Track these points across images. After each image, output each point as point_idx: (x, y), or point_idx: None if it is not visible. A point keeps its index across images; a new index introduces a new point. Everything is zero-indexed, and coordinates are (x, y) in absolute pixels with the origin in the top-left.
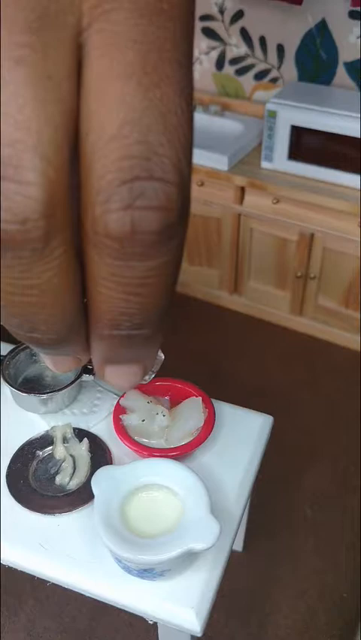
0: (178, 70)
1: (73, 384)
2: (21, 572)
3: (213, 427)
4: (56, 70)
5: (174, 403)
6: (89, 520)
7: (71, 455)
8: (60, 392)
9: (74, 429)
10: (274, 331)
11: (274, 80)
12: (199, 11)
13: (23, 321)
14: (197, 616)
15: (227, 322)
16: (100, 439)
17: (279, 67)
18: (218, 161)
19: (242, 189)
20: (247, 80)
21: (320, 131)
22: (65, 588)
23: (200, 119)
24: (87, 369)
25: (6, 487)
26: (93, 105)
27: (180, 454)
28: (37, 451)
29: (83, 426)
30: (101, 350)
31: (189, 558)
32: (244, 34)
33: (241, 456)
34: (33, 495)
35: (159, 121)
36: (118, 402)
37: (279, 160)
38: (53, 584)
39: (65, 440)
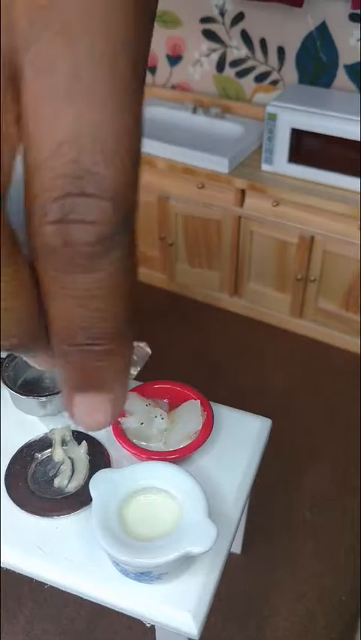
0: (118, 88)
1: None
2: (19, 574)
3: (211, 430)
4: None
5: (172, 405)
6: (87, 523)
7: (70, 458)
8: (59, 395)
9: (73, 431)
10: (274, 333)
11: (274, 83)
12: (200, 13)
13: None
14: (194, 619)
15: (227, 324)
16: (98, 442)
17: (279, 70)
18: (218, 164)
19: (242, 192)
20: (248, 82)
21: (320, 133)
22: (63, 590)
23: (200, 121)
24: None
25: (4, 489)
26: (31, 126)
27: (179, 457)
28: (36, 454)
29: (81, 429)
30: (66, 372)
31: (186, 561)
32: (245, 37)
33: (240, 459)
34: (31, 497)
35: (95, 140)
36: None
37: (279, 163)
38: (51, 586)
39: (63, 443)
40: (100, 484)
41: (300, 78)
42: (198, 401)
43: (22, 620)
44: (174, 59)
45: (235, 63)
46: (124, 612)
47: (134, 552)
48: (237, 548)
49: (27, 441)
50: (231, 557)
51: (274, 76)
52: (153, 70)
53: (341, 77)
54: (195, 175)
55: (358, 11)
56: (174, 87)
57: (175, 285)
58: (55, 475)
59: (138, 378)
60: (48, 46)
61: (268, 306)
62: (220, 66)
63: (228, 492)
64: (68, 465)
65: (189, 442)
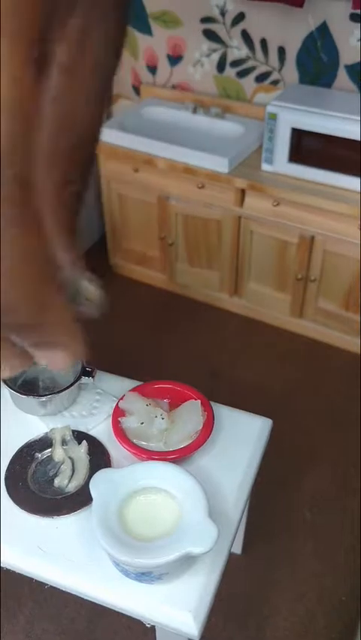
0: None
1: (72, 387)
2: (19, 574)
3: (212, 430)
4: None
5: (173, 405)
6: (87, 523)
7: (70, 458)
8: (59, 394)
9: (73, 431)
10: (274, 333)
11: (275, 83)
12: (200, 13)
13: None
14: (195, 619)
15: (227, 324)
16: (99, 442)
17: (280, 70)
18: (219, 164)
19: (242, 192)
20: (248, 82)
21: (320, 133)
22: (63, 591)
23: (201, 121)
24: (86, 372)
25: (5, 489)
26: None
27: (179, 457)
28: (36, 453)
29: (82, 428)
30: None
31: (187, 561)
32: (245, 37)
33: (240, 459)
34: (32, 497)
35: None
36: (117, 404)
37: (279, 162)
38: (51, 586)
39: (63, 442)
40: (100, 483)
41: (301, 78)
42: (199, 401)
43: (23, 619)
44: (175, 59)
45: (235, 63)
46: (124, 612)
47: (135, 552)
48: (237, 548)
49: (27, 440)
50: (231, 557)
51: (274, 76)
52: (154, 70)
53: (342, 77)
54: (195, 175)
55: (358, 11)
56: (174, 87)
57: (175, 285)
58: (55, 475)
59: (138, 379)
60: None
61: (268, 306)
62: (221, 66)
63: (228, 492)
64: (68, 465)
65: (190, 441)
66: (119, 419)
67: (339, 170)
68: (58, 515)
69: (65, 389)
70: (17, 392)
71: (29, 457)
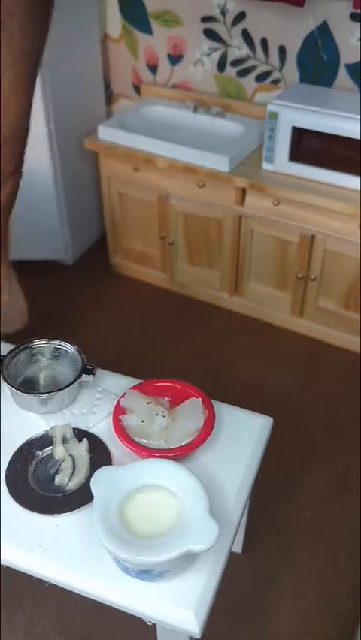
0: None
1: (73, 385)
2: (19, 572)
3: (212, 428)
4: None
5: (174, 403)
6: (88, 521)
7: (71, 455)
8: (60, 392)
9: (74, 429)
10: (274, 333)
11: (275, 82)
12: (201, 13)
13: None
14: (196, 617)
15: (227, 323)
16: (99, 440)
17: (280, 69)
18: (219, 163)
19: (243, 190)
20: (249, 82)
21: (321, 132)
22: (63, 588)
23: (201, 120)
24: (87, 370)
25: (5, 486)
26: None
27: (180, 454)
28: (37, 451)
29: (82, 426)
30: None
31: (188, 559)
32: (246, 36)
33: (241, 457)
34: (32, 495)
35: None
36: (118, 402)
37: (280, 161)
38: (51, 584)
39: (64, 440)
40: (101, 481)
41: (301, 77)
42: (200, 399)
43: (23, 618)
44: (175, 58)
45: (236, 62)
46: (125, 610)
47: (136, 550)
48: (237, 547)
49: (28, 438)
50: (231, 556)
51: (275, 75)
52: (154, 69)
53: (342, 76)
54: (195, 174)
55: (359, 11)
56: (175, 86)
57: (175, 285)
58: (56, 473)
59: (138, 377)
60: None
61: (269, 305)
62: (221, 65)
63: (229, 490)
64: (68, 462)
65: (191, 439)
66: (120, 417)
67: (340, 169)
68: (58, 513)
69: (65, 387)
70: (18, 390)
71: (30, 455)
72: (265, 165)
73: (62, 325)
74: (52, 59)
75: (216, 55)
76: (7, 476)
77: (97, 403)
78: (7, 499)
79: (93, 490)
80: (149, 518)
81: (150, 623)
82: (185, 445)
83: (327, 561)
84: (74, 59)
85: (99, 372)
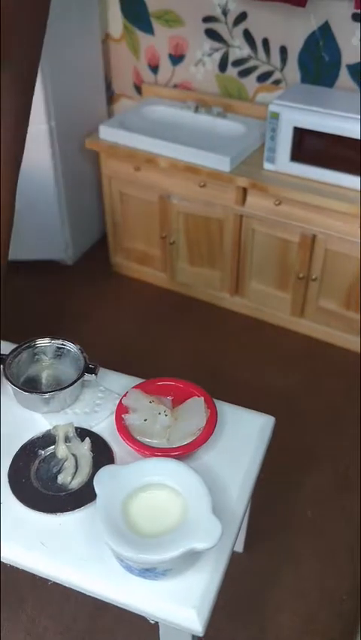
0: None
1: (75, 384)
2: (22, 570)
3: (215, 427)
4: None
5: (176, 402)
6: (90, 520)
7: (73, 454)
8: (62, 391)
9: (76, 428)
10: (275, 332)
11: (276, 82)
12: (203, 13)
13: None
14: (199, 616)
15: (228, 323)
16: (102, 439)
17: (282, 69)
18: (220, 162)
19: (244, 190)
20: (250, 82)
21: (322, 132)
22: (65, 587)
23: (203, 120)
24: (89, 369)
25: (8, 485)
26: None
27: (183, 453)
28: (40, 450)
29: (85, 425)
30: None
31: (190, 558)
32: (247, 36)
33: (243, 456)
34: (35, 494)
35: None
36: (120, 401)
37: (281, 161)
38: (54, 583)
39: (67, 439)
40: (104, 480)
41: (302, 78)
42: (202, 398)
43: (24, 618)
44: (177, 58)
45: (237, 62)
46: (128, 609)
47: (139, 548)
48: (239, 547)
49: (30, 437)
50: (233, 555)
51: (276, 75)
52: (156, 69)
53: (344, 77)
54: (197, 174)
55: (360, 11)
56: (176, 86)
57: (176, 284)
58: (58, 472)
59: (140, 376)
60: None
61: (269, 305)
62: (223, 65)
63: (231, 488)
64: (71, 461)
65: (193, 438)
66: (123, 416)
67: (341, 169)
68: (61, 512)
69: (67, 386)
70: (20, 389)
71: (32, 454)
72: (267, 165)
73: (63, 325)
74: (53, 59)
75: (217, 56)
76: (10, 475)
77: (99, 402)
78: (10, 498)
79: (97, 489)
80: (152, 517)
81: (152, 622)
82: (187, 444)
83: (327, 561)
84: (75, 59)
85: (101, 371)
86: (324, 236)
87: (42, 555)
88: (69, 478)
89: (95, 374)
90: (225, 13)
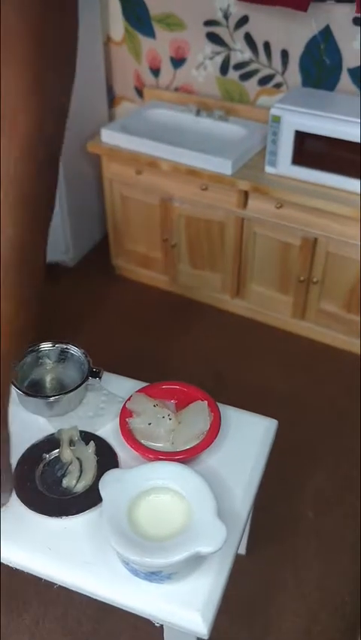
0: None
1: (79, 388)
2: (26, 573)
3: (218, 430)
4: None
5: (180, 406)
6: (95, 523)
7: (78, 458)
8: (66, 395)
9: (81, 432)
10: (276, 335)
11: (278, 86)
12: (204, 16)
13: None
14: (203, 619)
15: (229, 326)
16: (106, 442)
17: (283, 73)
18: (222, 166)
19: (246, 194)
20: (251, 85)
21: (323, 136)
22: (69, 590)
23: (204, 123)
24: (93, 373)
25: (13, 489)
26: None
27: (187, 457)
28: (44, 454)
29: (89, 429)
30: None
31: (195, 561)
32: (249, 40)
33: (247, 459)
34: (40, 497)
35: None
36: (124, 405)
37: (283, 165)
38: (59, 586)
39: (71, 443)
40: (109, 483)
41: (304, 81)
42: (206, 402)
43: (28, 620)
44: (178, 62)
45: (238, 66)
46: (133, 612)
47: (145, 552)
48: (241, 549)
49: (35, 441)
50: (235, 558)
51: (277, 79)
52: (157, 72)
53: (345, 80)
54: (198, 177)
55: None
56: (177, 89)
57: (177, 287)
58: (63, 476)
59: (141, 379)
60: None
61: (271, 307)
62: (224, 69)
63: (236, 492)
64: (76, 465)
65: (197, 442)
66: (127, 420)
67: (342, 173)
68: (66, 515)
69: (71, 390)
70: (24, 393)
71: (37, 458)
72: (268, 169)
73: (63, 327)
74: None
75: (218, 59)
76: (14, 479)
77: (103, 406)
78: (15, 502)
79: (102, 493)
80: (157, 520)
81: (157, 625)
82: (191, 447)
83: (329, 562)
84: (77, 62)
85: (105, 375)
86: (325, 239)
87: (47, 558)
88: (74, 482)
89: (99, 378)
90: (226, 16)
